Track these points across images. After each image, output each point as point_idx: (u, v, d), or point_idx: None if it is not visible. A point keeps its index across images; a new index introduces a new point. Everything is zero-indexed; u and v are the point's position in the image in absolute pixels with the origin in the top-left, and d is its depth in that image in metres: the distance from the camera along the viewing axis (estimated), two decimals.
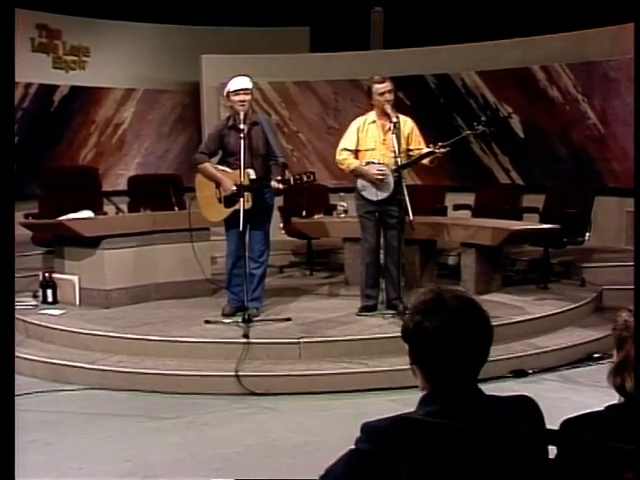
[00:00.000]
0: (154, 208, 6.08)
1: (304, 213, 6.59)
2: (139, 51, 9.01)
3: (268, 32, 9.14)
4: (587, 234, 6.14)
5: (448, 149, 5.01)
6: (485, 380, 4.47)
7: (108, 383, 4.62)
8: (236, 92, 5.06)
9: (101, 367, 4.70)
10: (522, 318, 5.08)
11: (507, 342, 4.88)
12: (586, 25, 7.26)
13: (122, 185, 8.56)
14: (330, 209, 7.34)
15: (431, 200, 7.05)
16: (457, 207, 7.15)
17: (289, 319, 5.17)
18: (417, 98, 8.06)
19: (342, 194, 6.52)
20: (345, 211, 6.47)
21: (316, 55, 8.80)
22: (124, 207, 7.09)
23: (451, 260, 6.98)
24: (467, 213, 7.09)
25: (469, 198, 7.32)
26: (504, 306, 5.46)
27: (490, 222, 5.82)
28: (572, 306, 5.41)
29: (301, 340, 4.73)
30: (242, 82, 5.10)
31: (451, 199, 7.29)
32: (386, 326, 4.98)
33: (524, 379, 4.59)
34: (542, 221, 6.36)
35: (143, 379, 4.60)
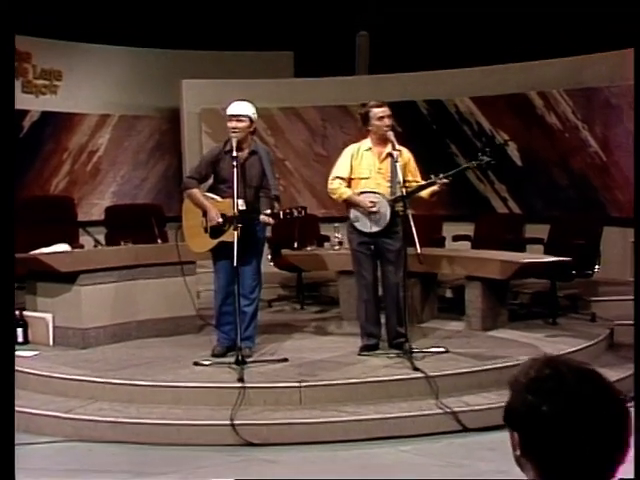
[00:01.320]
0: (135, 240, 5.75)
1: (295, 245, 6.32)
2: (114, 75, 8.74)
3: (251, 56, 9.00)
4: (596, 266, 5.94)
5: (449, 180, 4.81)
6: (503, 427, 4.20)
7: (87, 434, 4.26)
8: (229, 118, 4.88)
9: (79, 416, 4.35)
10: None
11: None
12: (584, 51, 7.19)
13: (96, 215, 8.26)
14: (321, 240, 7.09)
15: (427, 230, 6.78)
16: (456, 238, 6.94)
17: (286, 360, 4.87)
18: (409, 125, 7.83)
19: (337, 225, 6.26)
20: (340, 242, 6.21)
21: (302, 80, 8.62)
22: (100, 239, 6.75)
23: (449, 293, 6.76)
24: (467, 244, 6.88)
25: (467, 228, 7.12)
26: (515, 344, 5.23)
27: (497, 254, 5.61)
28: (587, 344, 5.18)
29: (302, 384, 4.41)
30: (235, 108, 4.90)
31: (448, 229, 7.08)
32: (393, 367, 4.69)
33: None
34: (547, 253, 6.17)
35: (127, 429, 4.26)
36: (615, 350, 5.46)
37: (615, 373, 4.82)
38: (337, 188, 5.00)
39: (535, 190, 7.51)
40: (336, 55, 8.70)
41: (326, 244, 7.11)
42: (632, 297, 6.06)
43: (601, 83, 7.12)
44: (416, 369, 4.51)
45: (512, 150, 7.65)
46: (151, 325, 5.63)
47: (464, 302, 5.75)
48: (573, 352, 5.03)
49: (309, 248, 6.40)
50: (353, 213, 4.97)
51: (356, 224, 4.95)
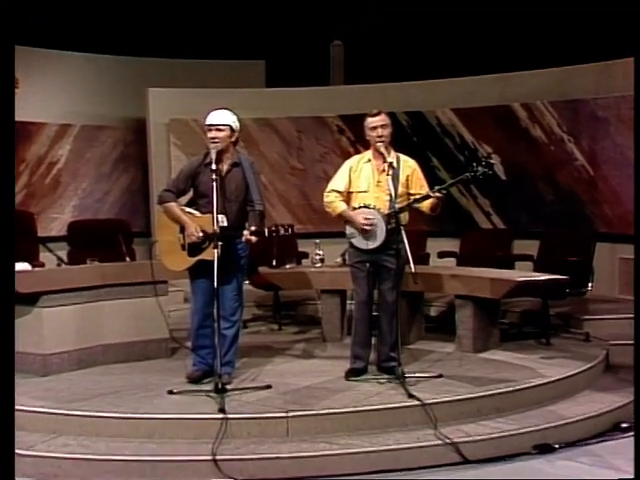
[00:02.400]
0: (101, 258, 5.41)
1: (274, 262, 6.05)
2: (76, 83, 8.42)
3: (221, 65, 8.81)
4: (590, 284, 5.79)
5: (444, 193, 4.64)
6: (507, 458, 3.96)
7: (50, 473, 3.89)
8: (208, 127, 4.65)
9: (41, 453, 3.98)
10: (538, 382, 4.61)
11: (523, 410, 4.41)
12: (568, 62, 7.12)
13: (56, 231, 7.89)
14: (299, 257, 6.84)
15: (411, 247, 6.58)
16: (441, 254, 6.75)
17: (269, 387, 4.58)
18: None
19: (317, 241, 6.01)
20: (322, 260, 5.97)
21: (276, 90, 8.40)
22: (62, 255, 6.37)
23: (433, 311, 6.57)
24: (452, 261, 6.70)
25: (451, 244, 6.95)
26: (511, 367, 5.02)
27: (489, 272, 5.44)
28: (585, 367, 4.99)
29: (289, 414, 4.12)
30: (215, 117, 4.66)
31: (432, 245, 6.89)
32: (386, 394, 4.43)
33: (550, 456, 4.08)
34: (537, 270, 6.06)
35: (95, 467, 3.89)
36: (613, 372, 5.29)
37: (617, 398, 4.67)
38: (332, 202, 4.82)
39: (520, 205, 7.38)
40: (309, 65, 8.62)
41: (304, 261, 6.88)
42: (625, 315, 5.98)
43: (586, 95, 7.05)
44: (411, 396, 4.26)
45: (496, 163, 7.48)
46: (119, 349, 5.32)
47: (451, 322, 5.58)
48: (572, 375, 4.84)
49: (288, 266, 6.16)
50: (349, 229, 4.79)
51: (352, 240, 4.78)
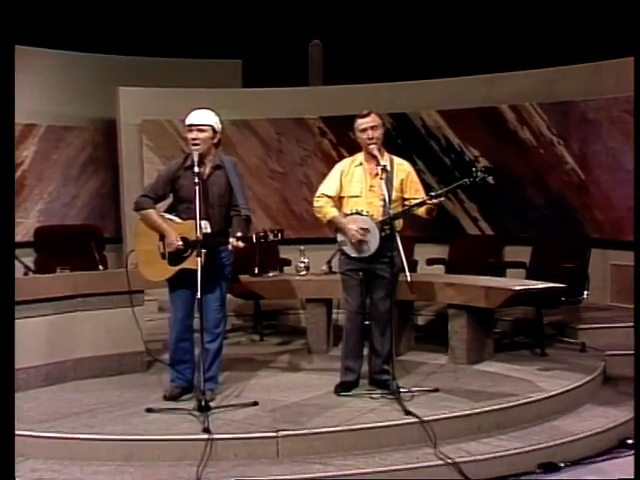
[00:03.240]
0: (72, 266, 5.14)
1: (256, 270, 5.83)
2: (42, 81, 8.10)
3: (196, 64, 8.57)
4: (585, 292, 5.66)
5: (441, 199, 4.48)
6: (511, 477, 3.76)
7: None
8: (189, 128, 4.44)
9: None
10: (538, 396, 4.44)
11: (526, 426, 4.25)
12: (558, 62, 7.02)
13: (20, 236, 7.57)
14: (281, 264, 6.64)
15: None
16: (430, 261, 6.59)
17: (256, 403, 4.35)
18: None
19: (302, 247, 5.80)
20: (307, 268, 5.76)
21: (254, 90, 8.18)
22: (29, 263, 6.06)
23: (421, 320, 6.41)
24: (441, 268, 6.54)
25: (439, 250, 6.81)
26: (508, 380, 4.87)
27: (483, 281, 5.30)
28: (585, 379, 4.84)
29: (279, 433, 3.89)
30: (196, 117, 4.45)
31: (419, 252, 6.71)
32: (381, 411, 4.23)
33: (556, 475, 3.92)
34: (530, 277, 5.93)
35: None
36: (612, 385, 5.14)
37: (620, 412, 4.53)
38: (322, 207, 4.63)
39: (508, 210, 7.25)
40: (287, 64, 8.46)
41: (286, 268, 6.68)
42: (620, 324, 5.88)
43: (577, 96, 6.94)
44: (408, 413, 4.07)
45: (483, 167, 7.38)
46: (92, 364, 5.09)
47: (442, 331, 5.43)
48: (573, 389, 4.69)
49: (271, 274, 5.94)
50: (341, 236, 4.61)
51: (344, 248, 4.60)
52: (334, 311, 5.77)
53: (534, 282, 5.19)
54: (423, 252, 6.73)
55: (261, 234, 4.18)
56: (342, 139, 7.81)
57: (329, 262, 5.85)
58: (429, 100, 7.55)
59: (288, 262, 6.66)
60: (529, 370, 5.06)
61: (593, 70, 6.77)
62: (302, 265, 5.77)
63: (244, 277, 5.82)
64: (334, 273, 5.78)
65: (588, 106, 6.82)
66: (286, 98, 8.02)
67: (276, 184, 7.90)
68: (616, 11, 6.25)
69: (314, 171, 7.85)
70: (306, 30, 8.53)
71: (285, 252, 6.77)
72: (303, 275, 5.77)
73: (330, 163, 8.17)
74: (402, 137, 7.64)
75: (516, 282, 5.20)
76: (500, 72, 7.28)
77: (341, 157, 8.16)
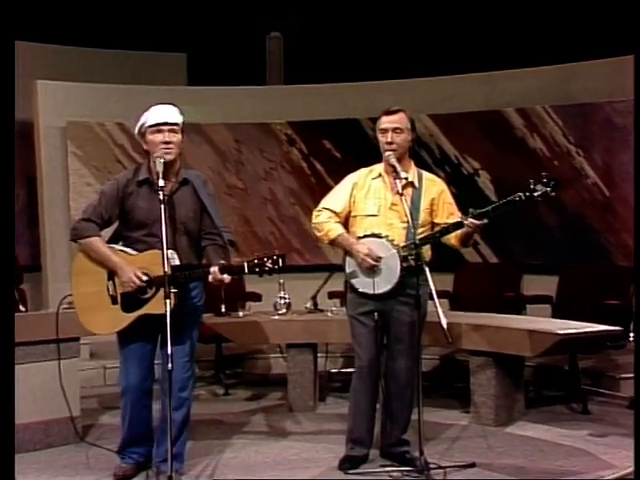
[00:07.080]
0: None
1: (223, 309, 5.03)
2: None
3: (132, 57, 8.02)
4: (631, 334, 5.03)
5: (484, 221, 3.75)
6: None
7: None
8: (157, 128, 3.70)
9: None
10: (612, 475, 3.73)
11: None
12: (574, 58, 6.53)
13: None
14: (249, 299, 5.87)
15: None
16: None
17: None
18: (349, 148, 6.93)
19: (282, 280, 5.00)
20: (288, 305, 4.97)
21: (207, 89, 7.49)
22: None
23: (424, 366, 5.72)
24: (444, 302, 5.85)
25: (440, 279, 6.08)
26: (558, 449, 4.19)
27: (519, 322, 4.63)
28: None
29: None
30: (166, 113, 3.76)
31: None
32: None
33: None
34: (556, 315, 5.35)
35: None
36: None
37: None
38: (324, 222, 3.94)
39: (514, 232, 6.62)
40: (241, 60, 8.04)
41: (254, 305, 5.88)
42: None
43: (598, 98, 6.46)
44: None
45: (484, 181, 6.87)
46: None
47: (450, 380, 5.10)
48: None
49: (241, 313, 5.19)
50: (350, 265, 3.88)
51: (353, 281, 3.88)
52: (319, 355, 5.19)
53: (580, 324, 4.52)
54: None
55: (255, 261, 3.42)
56: (315, 149, 7.19)
57: (314, 297, 5.14)
58: (418, 102, 6.91)
59: (258, 297, 5.90)
60: (579, 435, 4.40)
61: (618, 66, 6.26)
62: (282, 302, 4.97)
63: (208, 317, 4.99)
64: (320, 311, 5.10)
65: (613, 109, 6.33)
66: (245, 99, 7.37)
67: (235, 202, 7.16)
68: None
69: (281, 186, 7.19)
70: (263, 20, 8.08)
71: (253, 285, 5.95)
72: (283, 314, 4.97)
73: (300, 177, 7.67)
74: None
75: (562, 325, 4.51)
76: (502, 69, 6.81)
77: (313, 169, 7.67)
